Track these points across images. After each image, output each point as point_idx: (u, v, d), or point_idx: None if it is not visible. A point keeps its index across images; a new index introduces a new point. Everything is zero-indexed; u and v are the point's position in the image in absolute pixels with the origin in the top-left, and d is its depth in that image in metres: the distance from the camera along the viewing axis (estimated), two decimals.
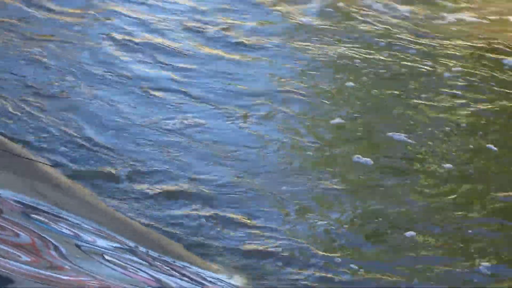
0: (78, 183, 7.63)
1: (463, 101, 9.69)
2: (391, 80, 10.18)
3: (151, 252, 6.17)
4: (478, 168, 8.28)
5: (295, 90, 9.75)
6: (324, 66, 10.56)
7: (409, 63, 10.66)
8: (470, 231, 7.19)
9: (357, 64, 10.61)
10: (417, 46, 11.22)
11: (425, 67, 10.56)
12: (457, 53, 11.06)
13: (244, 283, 6.43)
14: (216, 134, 8.63)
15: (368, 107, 9.45)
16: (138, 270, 5.03)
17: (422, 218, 7.35)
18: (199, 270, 6.26)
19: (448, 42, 11.45)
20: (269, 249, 6.89)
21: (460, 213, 7.48)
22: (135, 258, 5.51)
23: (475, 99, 9.73)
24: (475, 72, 10.48)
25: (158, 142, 8.48)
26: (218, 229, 7.14)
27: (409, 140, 8.68)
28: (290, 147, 8.48)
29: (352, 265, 6.65)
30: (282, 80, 10.06)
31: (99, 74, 9.79)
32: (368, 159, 8.22)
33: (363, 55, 10.88)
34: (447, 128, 9.01)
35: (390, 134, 8.79)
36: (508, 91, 10.00)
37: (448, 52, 11.09)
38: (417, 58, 10.81)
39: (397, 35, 11.63)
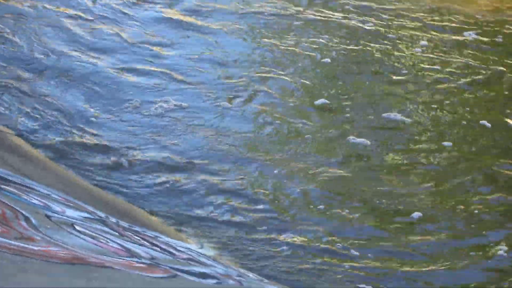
0: (48, 154, 7.61)
1: (442, 75, 9.58)
2: (365, 56, 10.00)
3: (121, 222, 6.19)
4: (476, 144, 8.20)
5: (273, 69, 9.55)
6: (298, 41, 10.36)
7: (386, 41, 10.48)
8: (476, 211, 7.13)
9: (331, 36, 10.48)
10: (389, 23, 11.07)
11: (399, 42, 10.42)
12: (427, 28, 10.99)
13: (214, 252, 6.48)
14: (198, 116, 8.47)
15: (349, 86, 9.25)
16: (109, 240, 5.06)
17: (428, 199, 7.24)
18: (170, 239, 6.30)
19: (416, 17, 11.35)
20: (250, 220, 6.94)
21: (466, 193, 7.41)
22: (105, 228, 5.52)
23: (452, 73, 9.63)
24: (445, 46, 10.39)
25: (129, 117, 8.48)
26: (190, 199, 7.17)
27: (402, 118, 8.53)
28: (282, 132, 8.28)
29: (353, 249, 6.60)
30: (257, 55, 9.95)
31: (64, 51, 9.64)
32: (364, 140, 8.10)
33: (333, 19, 10.78)
34: (433, 105, 8.88)
35: (378, 112, 8.65)
36: (479, 62, 9.98)
37: (417, 26, 11.01)
38: (387, 35, 10.64)
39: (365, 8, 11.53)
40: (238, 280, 5.61)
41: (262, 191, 7.31)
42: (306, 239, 6.69)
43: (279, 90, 9.07)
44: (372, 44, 10.29)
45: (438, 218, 7.02)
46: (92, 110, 8.40)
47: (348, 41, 10.34)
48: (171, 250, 5.78)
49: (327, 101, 8.82)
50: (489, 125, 8.50)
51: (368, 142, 8.07)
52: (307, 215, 7.02)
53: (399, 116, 8.59)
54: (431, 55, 10.11)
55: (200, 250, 6.37)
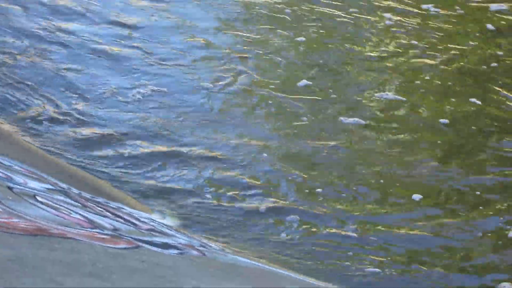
0: (9, 125, 7.57)
1: (419, 51, 9.44)
2: (339, 32, 9.82)
3: (84, 194, 6.20)
4: (472, 121, 8.07)
5: (250, 49, 9.31)
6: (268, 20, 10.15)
7: (351, 15, 10.29)
8: (478, 192, 7.03)
9: (299, 13, 10.26)
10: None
11: (370, 17, 10.25)
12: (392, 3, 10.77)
13: (177, 222, 6.52)
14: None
15: (328, 65, 9.07)
16: (71, 212, 5.07)
17: (429, 180, 7.15)
18: (132, 210, 6.33)
19: None
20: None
21: (469, 172, 7.30)
22: (68, 200, 5.54)
23: (430, 48, 9.49)
24: (411, 21, 10.22)
25: (89, 83, 8.46)
26: (152, 169, 7.19)
27: (392, 96, 8.41)
28: (272, 115, 8.10)
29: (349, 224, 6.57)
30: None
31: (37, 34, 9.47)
32: (356, 119, 7.94)
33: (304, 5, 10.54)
34: (417, 81, 8.78)
35: (363, 91, 8.50)
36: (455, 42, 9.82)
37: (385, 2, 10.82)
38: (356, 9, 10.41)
39: None
40: (200, 250, 5.67)
41: (233, 159, 7.33)
42: (283, 212, 6.70)
43: (260, 72, 8.88)
44: (343, 20, 10.14)
45: (439, 200, 6.94)
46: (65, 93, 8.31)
47: (321, 19, 10.14)
48: (134, 221, 5.81)
49: (309, 82, 8.64)
50: (479, 102, 8.37)
51: (362, 121, 7.96)
52: (288, 189, 6.99)
53: (387, 94, 8.47)
54: (401, 29, 10.01)
55: (162, 221, 6.41)
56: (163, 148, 7.46)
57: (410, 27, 10.09)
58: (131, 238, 4.92)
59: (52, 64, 8.74)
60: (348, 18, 10.22)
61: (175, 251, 5.16)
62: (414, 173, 7.28)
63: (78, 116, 7.84)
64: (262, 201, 6.82)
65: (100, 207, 5.85)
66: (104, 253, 4.00)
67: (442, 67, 9.15)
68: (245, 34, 9.76)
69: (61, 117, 7.80)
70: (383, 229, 6.57)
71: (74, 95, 8.20)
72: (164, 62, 8.94)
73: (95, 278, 3.23)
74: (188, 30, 9.77)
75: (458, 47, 9.60)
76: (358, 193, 6.99)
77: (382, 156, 7.50)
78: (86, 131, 7.63)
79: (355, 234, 6.49)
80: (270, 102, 8.30)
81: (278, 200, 6.83)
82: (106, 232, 4.86)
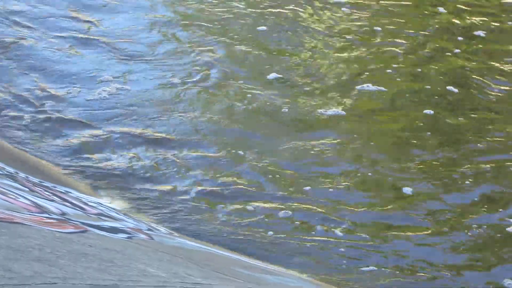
0: None
1: (380, 39, 9.29)
2: (298, 23, 9.57)
3: (31, 178, 6.18)
4: (456, 111, 7.95)
5: (214, 41, 9.06)
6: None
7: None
8: (468, 182, 6.96)
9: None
10: None
11: (328, 7, 10.01)
12: None
13: (125, 206, 6.54)
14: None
15: (293, 55, 8.87)
16: (18, 196, 5.06)
17: (418, 171, 7.04)
18: (80, 195, 6.33)
19: None
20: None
21: (458, 160, 7.20)
22: (15, 184, 5.51)
23: (394, 35, 9.37)
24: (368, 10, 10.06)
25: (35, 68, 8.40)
26: (102, 153, 7.18)
27: (366, 86, 8.22)
28: (250, 114, 7.82)
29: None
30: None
31: None
32: (336, 110, 7.79)
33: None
34: (390, 70, 8.61)
35: (335, 81, 8.30)
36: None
37: None
38: None
39: None
40: (148, 234, 5.71)
41: (188, 140, 7.30)
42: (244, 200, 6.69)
43: (227, 65, 8.63)
44: (300, 9, 9.93)
45: (431, 192, 6.84)
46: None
47: (279, 8, 9.90)
48: (82, 205, 5.82)
49: (279, 75, 8.43)
50: (456, 90, 8.25)
51: (343, 113, 7.80)
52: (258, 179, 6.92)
53: (364, 85, 8.26)
54: (361, 18, 9.83)
55: (110, 205, 6.42)
56: (111, 132, 7.45)
57: (369, 15, 9.92)
58: (79, 222, 4.93)
59: (15, 60, 8.57)
60: (304, 7, 10.03)
61: (123, 235, 5.19)
62: (403, 165, 7.13)
63: (33, 101, 7.77)
64: (220, 187, 6.81)
65: (48, 192, 5.85)
66: (52, 238, 4.01)
67: (410, 54, 8.98)
68: (206, 25, 9.47)
69: (17, 103, 7.73)
70: (370, 224, 6.49)
71: (34, 87, 8.09)
72: (128, 58, 8.70)
73: (43, 263, 3.25)
74: (150, 23, 9.52)
75: (422, 32, 9.46)
76: (344, 185, 6.88)
77: (369, 148, 7.34)
78: (38, 118, 7.58)
79: (289, 212, 6.54)
80: (244, 97, 8.05)
81: (243, 188, 6.82)
82: (53, 216, 4.87)
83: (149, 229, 5.93)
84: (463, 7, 10.17)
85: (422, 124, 7.70)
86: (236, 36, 9.25)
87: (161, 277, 3.74)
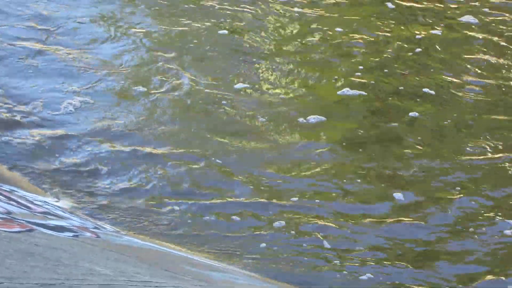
0: None
1: (348, 38, 9.08)
2: (256, 25, 9.34)
3: None
4: (446, 106, 7.88)
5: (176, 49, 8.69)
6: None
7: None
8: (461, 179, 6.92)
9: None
10: None
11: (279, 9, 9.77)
12: None
13: (71, 205, 6.50)
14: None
15: (257, 62, 8.57)
16: None
17: (407, 173, 6.98)
18: (26, 193, 6.28)
19: None
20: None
21: (449, 158, 7.15)
22: None
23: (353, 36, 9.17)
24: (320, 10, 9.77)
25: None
26: (50, 152, 7.12)
27: (350, 91, 8.04)
28: (224, 123, 7.59)
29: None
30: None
31: None
32: (317, 116, 7.58)
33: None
34: (373, 64, 8.49)
35: (307, 86, 8.11)
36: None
37: None
38: None
39: None
40: (95, 232, 5.69)
41: (145, 135, 7.28)
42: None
43: (193, 73, 8.30)
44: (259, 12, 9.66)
45: (420, 194, 6.78)
46: None
47: (240, 15, 9.55)
48: (27, 204, 5.77)
49: (246, 85, 8.14)
50: (432, 92, 8.11)
51: (323, 118, 7.61)
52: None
53: (344, 89, 8.09)
54: (316, 19, 9.54)
55: (57, 203, 6.38)
56: (62, 132, 7.39)
57: (323, 16, 9.64)
58: (25, 221, 4.90)
59: None
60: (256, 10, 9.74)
61: (70, 234, 5.17)
62: (391, 167, 7.05)
63: None
64: (171, 185, 6.79)
65: None
66: None
67: (375, 53, 8.84)
68: (168, 29, 9.17)
69: None
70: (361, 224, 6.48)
71: None
72: (90, 67, 8.41)
73: None
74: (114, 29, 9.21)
75: (385, 29, 9.30)
76: (332, 188, 6.84)
77: (355, 153, 7.24)
78: None
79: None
80: (211, 105, 7.83)
81: (195, 187, 6.79)
82: None
83: (95, 227, 5.91)
84: None
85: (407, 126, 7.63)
86: (197, 40, 8.94)
87: (108, 275, 3.75)
